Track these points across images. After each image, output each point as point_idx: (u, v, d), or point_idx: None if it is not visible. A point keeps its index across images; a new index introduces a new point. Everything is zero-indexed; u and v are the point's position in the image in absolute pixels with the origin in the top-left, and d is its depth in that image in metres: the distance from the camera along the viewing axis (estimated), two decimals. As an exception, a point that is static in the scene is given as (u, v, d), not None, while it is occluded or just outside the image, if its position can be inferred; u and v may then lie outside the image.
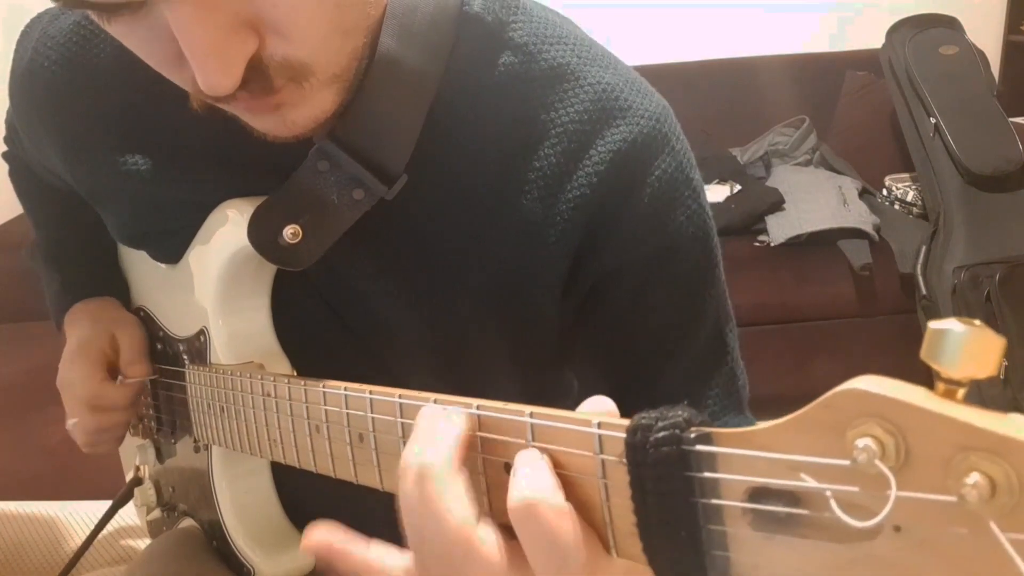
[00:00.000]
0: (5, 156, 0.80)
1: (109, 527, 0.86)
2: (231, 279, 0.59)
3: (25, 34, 0.63)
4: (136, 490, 0.79)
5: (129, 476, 0.82)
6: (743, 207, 2.00)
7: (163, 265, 0.68)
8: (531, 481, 0.31)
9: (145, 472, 0.81)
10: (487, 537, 0.33)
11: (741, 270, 1.89)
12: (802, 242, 1.88)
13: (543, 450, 0.33)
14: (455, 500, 0.33)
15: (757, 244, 1.95)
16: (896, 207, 2.12)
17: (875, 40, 2.26)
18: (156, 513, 0.81)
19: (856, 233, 1.88)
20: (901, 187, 2.12)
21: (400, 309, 0.58)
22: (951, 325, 0.21)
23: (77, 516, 1.21)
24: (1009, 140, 1.93)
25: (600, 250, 0.55)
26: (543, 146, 0.54)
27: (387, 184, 0.52)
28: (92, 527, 0.80)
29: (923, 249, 1.85)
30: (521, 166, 0.54)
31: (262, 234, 0.54)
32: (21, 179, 0.80)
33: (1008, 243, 1.81)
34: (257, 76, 0.43)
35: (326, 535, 0.39)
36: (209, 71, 0.41)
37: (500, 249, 0.55)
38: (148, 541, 0.83)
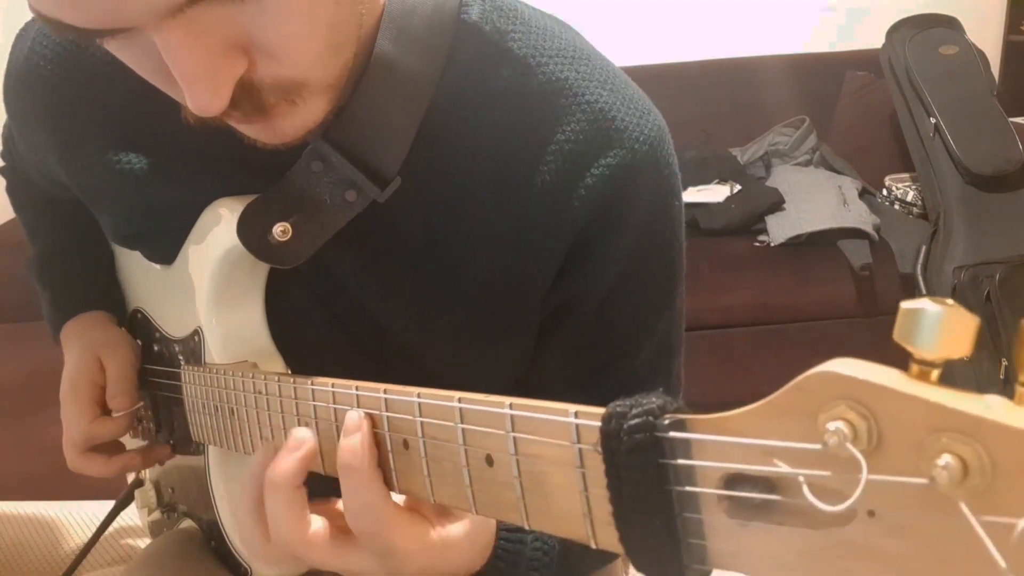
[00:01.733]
0: (2, 171, 0.81)
1: (110, 528, 0.86)
2: (224, 278, 0.59)
3: (20, 36, 0.63)
4: (137, 492, 0.80)
5: (130, 478, 0.82)
6: (743, 207, 2.00)
7: (158, 266, 0.68)
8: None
9: (145, 474, 0.81)
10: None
11: (741, 270, 1.88)
12: (802, 242, 1.87)
13: (521, 440, 0.33)
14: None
15: (757, 244, 1.94)
16: (896, 207, 2.11)
17: (875, 40, 2.25)
18: (157, 514, 0.81)
19: (856, 233, 1.88)
20: (901, 187, 2.12)
21: (392, 309, 0.58)
22: (924, 305, 0.21)
23: (77, 516, 1.21)
24: (1009, 140, 1.93)
25: (580, 269, 0.56)
26: (539, 163, 0.54)
27: (380, 186, 0.52)
28: (92, 527, 0.81)
29: (923, 249, 1.85)
30: (515, 179, 0.54)
31: (251, 231, 0.54)
32: (17, 192, 0.81)
33: (1008, 243, 1.81)
34: (248, 97, 0.44)
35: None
36: (198, 94, 0.41)
37: (489, 257, 0.55)
38: (149, 541, 0.84)
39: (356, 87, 0.50)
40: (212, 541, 0.69)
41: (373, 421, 0.42)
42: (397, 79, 0.51)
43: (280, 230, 0.53)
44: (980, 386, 1.66)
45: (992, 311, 1.70)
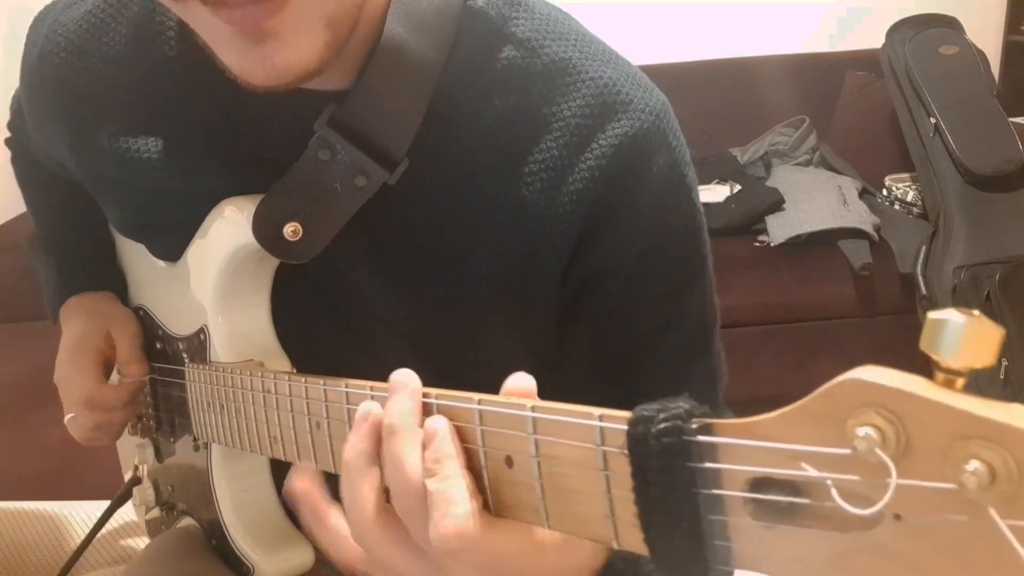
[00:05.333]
0: (8, 142, 0.80)
1: (108, 526, 0.86)
2: (231, 276, 0.59)
3: (38, 21, 0.63)
4: (135, 489, 0.79)
5: (128, 475, 0.82)
6: (743, 207, 2.00)
7: (162, 263, 0.68)
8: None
9: (144, 471, 0.81)
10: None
11: (741, 270, 1.89)
12: (802, 242, 1.88)
13: (543, 442, 0.33)
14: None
15: (757, 244, 1.95)
16: (896, 207, 2.12)
17: (875, 40, 2.26)
18: (155, 512, 0.81)
19: (856, 233, 1.88)
20: (901, 187, 2.12)
21: (402, 305, 0.58)
22: (950, 315, 0.21)
23: (77, 516, 1.21)
24: (1009, 140, 1.93)
25: (598, 244, 0.56)
26: (545, 139, 0.54)
27: (389, 169, 0.52)
28: (92, 527, 0.80)
29: (923, 249, 1.86)
30: (522, 158, 0.54)
31: (266, 229, 0.54)
32: (24, 166, 0.80)
33: (1008, 243, 1.81)
34: None
35: (310, 489, 0.44)
36: None
37: (500, 241, 0.55)
38: (147, 540, 0.83)
39: (364, 69, 0.51)
40: (213, 539, 0.69)
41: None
42: (406, 62, 0.51)
43: (291, 230, 0.53)
44: (980, 386, 1.67)
45: (992, 311, 1.71)
